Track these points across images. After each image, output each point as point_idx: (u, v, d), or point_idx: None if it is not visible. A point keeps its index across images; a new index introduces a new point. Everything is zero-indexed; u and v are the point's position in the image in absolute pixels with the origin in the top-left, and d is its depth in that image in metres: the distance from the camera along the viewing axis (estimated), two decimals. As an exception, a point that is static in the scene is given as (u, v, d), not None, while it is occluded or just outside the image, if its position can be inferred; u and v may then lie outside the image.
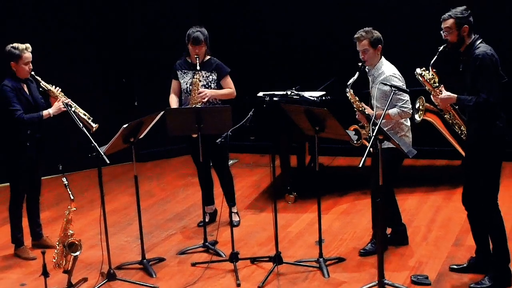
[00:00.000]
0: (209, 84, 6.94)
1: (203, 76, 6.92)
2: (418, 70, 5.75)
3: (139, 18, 9.84)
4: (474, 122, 5.48)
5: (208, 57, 6.99)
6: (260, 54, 9.90)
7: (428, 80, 5.71)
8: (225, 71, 6.99)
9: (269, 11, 9.94)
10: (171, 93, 7.12)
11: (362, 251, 6.38)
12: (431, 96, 5.76)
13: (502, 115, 5.40)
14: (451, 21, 5.47)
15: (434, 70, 5.72)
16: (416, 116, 5.98)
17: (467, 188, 5.65)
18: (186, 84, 6.94)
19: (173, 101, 7.06)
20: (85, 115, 6.38)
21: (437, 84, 5.69)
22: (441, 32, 5.55)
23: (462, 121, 5.87)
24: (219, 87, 6.98)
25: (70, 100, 6.39)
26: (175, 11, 9.95)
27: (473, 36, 5.48)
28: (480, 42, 5.45)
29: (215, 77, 6.95)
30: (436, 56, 5.63)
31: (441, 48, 5.58)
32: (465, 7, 5.52)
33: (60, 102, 6.33)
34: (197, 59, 6.79)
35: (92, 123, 6.35)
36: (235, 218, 7.21)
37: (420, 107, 5.97)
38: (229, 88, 6.98)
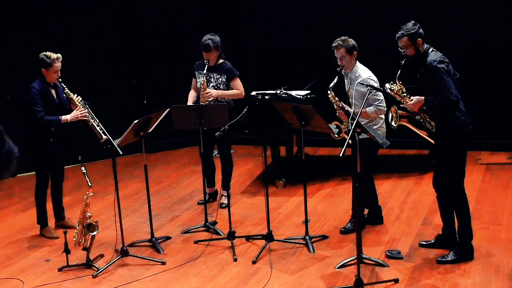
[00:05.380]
0: (218, 85, 6.89)
1: (214, 78, 6.88)
2: (387, 85, 5.71)
3: (149, 27, 9.76)
4: (440, 118, 5.46)
5: (221, 60, 6.93)
6: (253, 58, 9.83)
7: (397, 92, 5.68)
8: (234, 74, 6.91)
9: (262, 22, 9.89)
10: (191, 89, 7.11)
11: (343, 229, 6.35)
12: (402, 104, 5.73)
13: (461, 108, 5.37)
14: (405, 38, 5.37)
15: (400, 82, 5.67)
16: (392, 123, 5.96)
17: (437, 173, 5.63)
18: (199, 83, 6.91)
19: (190, 96, 7.06)
20: (98, 126, 6.14)
21: (405, 94, 5.65)
22: (399, 49, 5.46)
23: (430, 117, 5.84)
24: (229, 88, 6.92)
25: (87, 111, 6.20)
26: (180, 18, 9.89)
27: (425, 46, 5.41)
28: (431, 51, 5.37)
29: (224, 79, 6.88)
30: (400, 70, 5.58)
31: (403, 62, 5.50)
32: (413, 21, 5.41)
33: (78, 111, 6.24)
34: (207, 63, 6.76)
35: (102, 134, 6.06)
36: (224, 201, 7.12)
37: (394, 115, 5.95)
38: (236, 90, 6.92)
